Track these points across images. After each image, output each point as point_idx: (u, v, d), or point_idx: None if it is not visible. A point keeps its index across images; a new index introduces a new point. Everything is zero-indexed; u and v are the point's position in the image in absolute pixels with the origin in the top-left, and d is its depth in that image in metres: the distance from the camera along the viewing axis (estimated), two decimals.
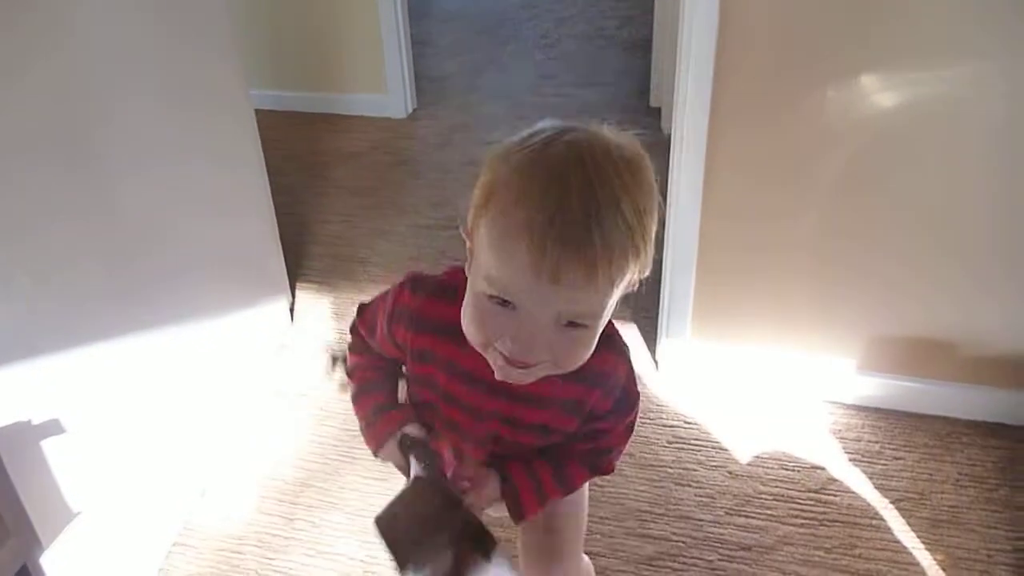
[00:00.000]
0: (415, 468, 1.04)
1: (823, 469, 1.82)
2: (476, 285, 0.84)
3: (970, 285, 1.79)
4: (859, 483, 1.79)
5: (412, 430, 1.08)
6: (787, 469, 1.83)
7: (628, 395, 1.04)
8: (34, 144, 1.33)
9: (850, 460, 1.84)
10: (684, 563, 1.65)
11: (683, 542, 1.68)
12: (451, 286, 0.96)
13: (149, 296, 1.64)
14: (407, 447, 1.06)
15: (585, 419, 1.03)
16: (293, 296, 2.37)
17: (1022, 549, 1.64)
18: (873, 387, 1.95)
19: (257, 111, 2.09)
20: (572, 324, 0.82)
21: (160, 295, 1.68)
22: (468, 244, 0.87)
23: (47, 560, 1.38)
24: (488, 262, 0.81)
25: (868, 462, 1.84)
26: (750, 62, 1.68)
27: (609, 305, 0.84)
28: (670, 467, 1.84)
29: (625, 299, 0.87)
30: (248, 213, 2.08)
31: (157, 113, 1.65)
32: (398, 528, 0.97)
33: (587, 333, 0.84)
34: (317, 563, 1.67)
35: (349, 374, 1.16)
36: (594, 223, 0.76)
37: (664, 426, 1.95)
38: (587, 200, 0.76)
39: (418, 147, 3.32)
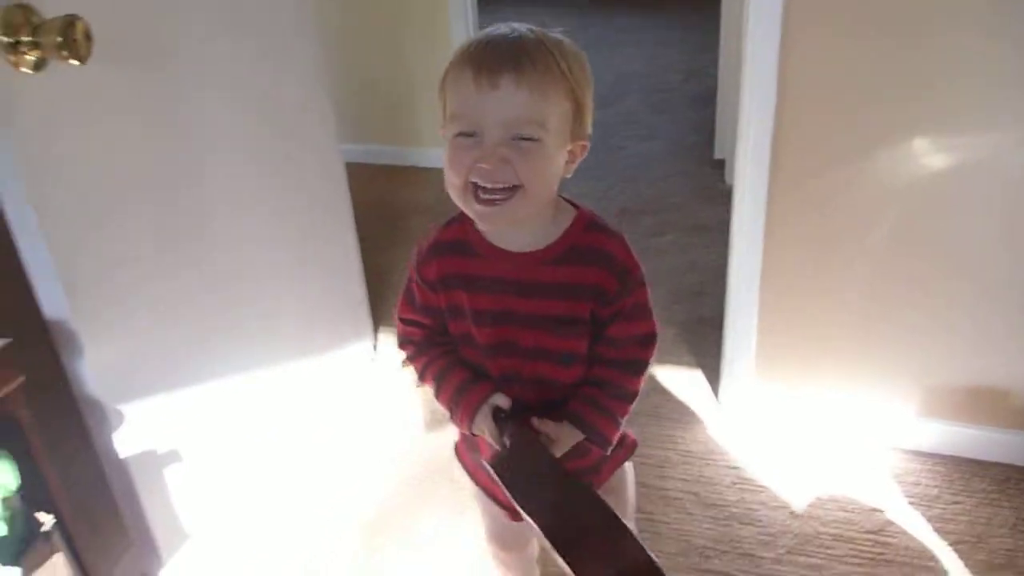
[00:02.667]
0: (508, 434, 1.11)
1: (882, 512, 1.88)
2: (447, 135, 1.01)
3: None
4: (917, 526, 1.85)
5: (499, 400, 1.14)
6: (847, 511, 1.89)
7: (630, 270, 1.11)
8: (143, 195, 1.49)
9: (909, 503, 1.90)
10: None
11: None
12: (455, 217, 1.13)
13: (243, 339, 1.77)
14: (500, 418, 1.13)
15: (601, 304, 1.11)
16: (376, 341, 2.51)
17: None
18: (933, 433, 2.01)
19: None
20: (523, 138, 0.98)
21: (254, 337, 1.82)
22: (443, 131, 1.03)
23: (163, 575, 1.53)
24: (449, 104, 1.01)
25: (926, 506, 1.89)
26: (808, 125, 1.77)
27: (552, 122, 0.99)
28: (734, 507, 1.92)
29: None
30: (337, 262, 2.22)
31: (255, 165, 1.79)
32: (512, 470, 1.08)
33: (538, 147, 0.99)
34: None
35: (421, 378, 1.22)
36: (520, 42, 0.98)
37: (728, 467, 2.03)
38: (515, 32, 0.99)
39: None
